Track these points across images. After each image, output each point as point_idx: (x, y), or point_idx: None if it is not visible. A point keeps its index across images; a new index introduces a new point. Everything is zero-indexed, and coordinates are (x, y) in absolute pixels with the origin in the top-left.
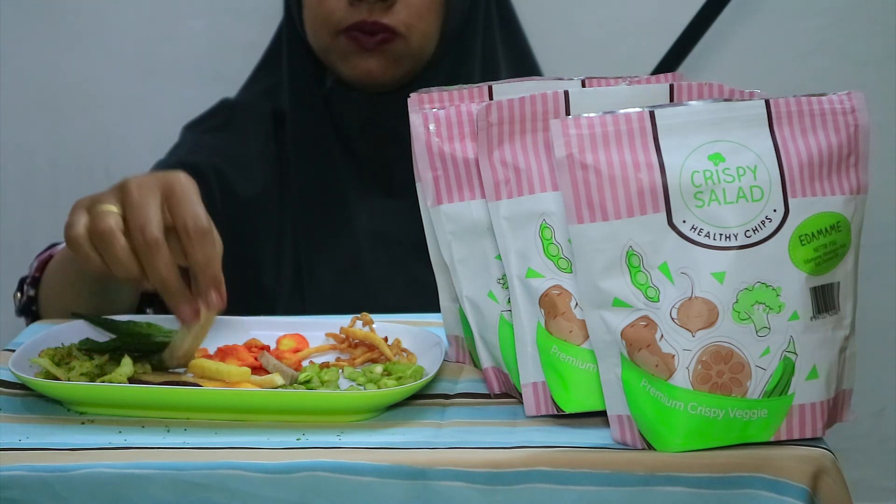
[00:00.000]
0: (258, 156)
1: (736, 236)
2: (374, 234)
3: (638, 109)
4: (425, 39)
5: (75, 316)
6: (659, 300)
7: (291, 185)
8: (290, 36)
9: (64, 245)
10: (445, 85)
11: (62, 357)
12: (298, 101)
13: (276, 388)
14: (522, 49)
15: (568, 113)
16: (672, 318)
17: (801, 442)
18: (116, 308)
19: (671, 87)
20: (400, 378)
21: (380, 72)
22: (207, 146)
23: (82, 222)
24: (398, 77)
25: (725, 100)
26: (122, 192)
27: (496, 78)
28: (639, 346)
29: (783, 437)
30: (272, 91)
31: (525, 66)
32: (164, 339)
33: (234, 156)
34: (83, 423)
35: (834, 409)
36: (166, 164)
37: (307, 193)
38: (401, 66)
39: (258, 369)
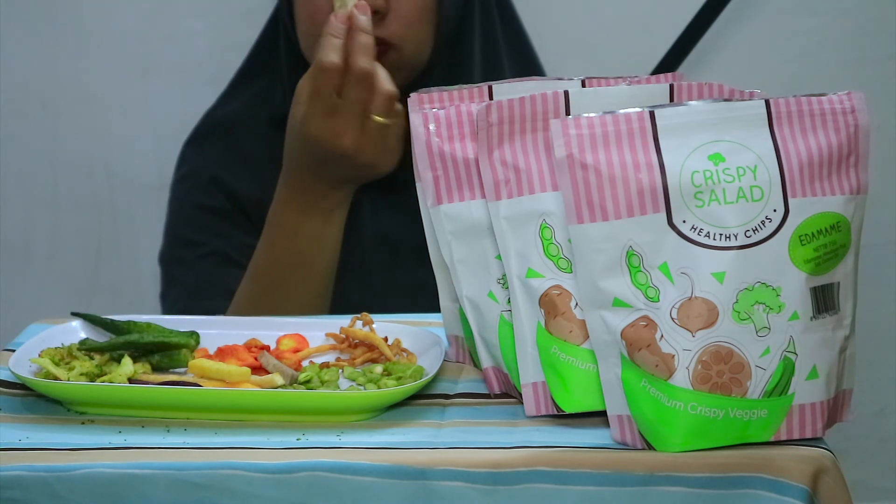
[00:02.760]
0: (258, 162)
1: (736, 236)
2: (375, 236)
3: (638, 109)
4: (419, 48)
5: (75, 316)
6: (659, 300)
7: None
8: (287, 43)
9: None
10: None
11: (62, 357)
12: None
13: (276, 388)
14: (527, 51)
15: (568, 113)
16: (672, 318)
17: (801, 442)
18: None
19: (671, 87)
20: (400, 378)
21: None
22: (214, 163)
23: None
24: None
25: (725, 100)
26: None
27: (499, 78)
28: (639, 346)
29: (783, 437)
30: (266, 93)
31: (529, 66)
32: (164, 339)
33: (236, 168)
34: (83, 423)
35: (834, 409)
36: (191, 193)
37: None
38: (396, 77)
39: (258, 369)
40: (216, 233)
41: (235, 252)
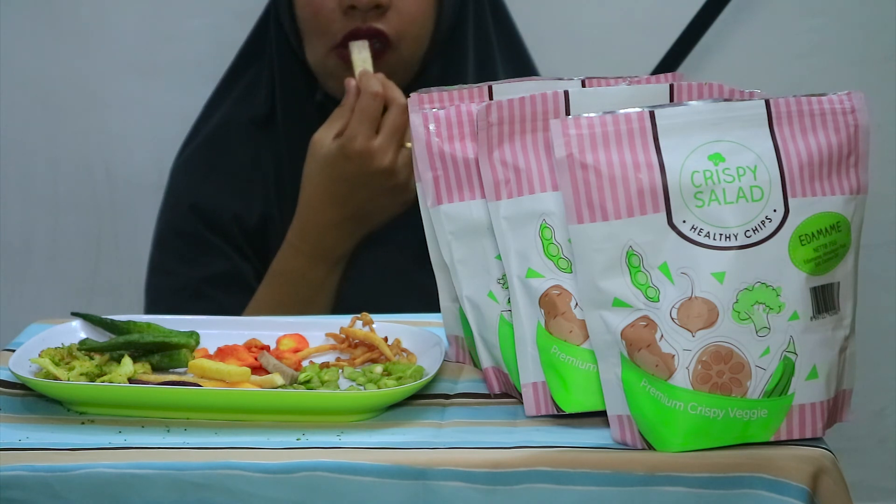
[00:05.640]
0: (241, 170)
1: (736, 236)
2: (374, 239)
3: (638, 109)
4: (416, 45)
5: (75, 316)
6: (659, 300)
7: (289, 195)
8: (280, 45)
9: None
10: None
11: (62, 357)
12: (291, 113)
13: (276, 388)
14: (519, 49)
15: (568, 113)
16: (672, 318)
17: (801, 442)
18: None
19: (671, 87)
20: (400, 378)
21: None
22: (203, 184)
23: None
24: None
25: (725, 100)
26: None
27: (493, 79)
28: (639, 346)
29: (783, 437)
30: (248, 93)
31: (523, 66)
32: (164, 339)
33: (217, 182)
34: (83, 423)
35: (834, 409)
36: (171, 218)
37: None
38: (393, 77)
39: (258, 369)
40: (189, 261)
41: (205, 285)
